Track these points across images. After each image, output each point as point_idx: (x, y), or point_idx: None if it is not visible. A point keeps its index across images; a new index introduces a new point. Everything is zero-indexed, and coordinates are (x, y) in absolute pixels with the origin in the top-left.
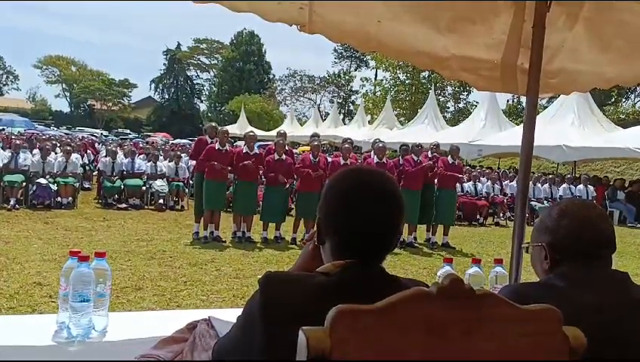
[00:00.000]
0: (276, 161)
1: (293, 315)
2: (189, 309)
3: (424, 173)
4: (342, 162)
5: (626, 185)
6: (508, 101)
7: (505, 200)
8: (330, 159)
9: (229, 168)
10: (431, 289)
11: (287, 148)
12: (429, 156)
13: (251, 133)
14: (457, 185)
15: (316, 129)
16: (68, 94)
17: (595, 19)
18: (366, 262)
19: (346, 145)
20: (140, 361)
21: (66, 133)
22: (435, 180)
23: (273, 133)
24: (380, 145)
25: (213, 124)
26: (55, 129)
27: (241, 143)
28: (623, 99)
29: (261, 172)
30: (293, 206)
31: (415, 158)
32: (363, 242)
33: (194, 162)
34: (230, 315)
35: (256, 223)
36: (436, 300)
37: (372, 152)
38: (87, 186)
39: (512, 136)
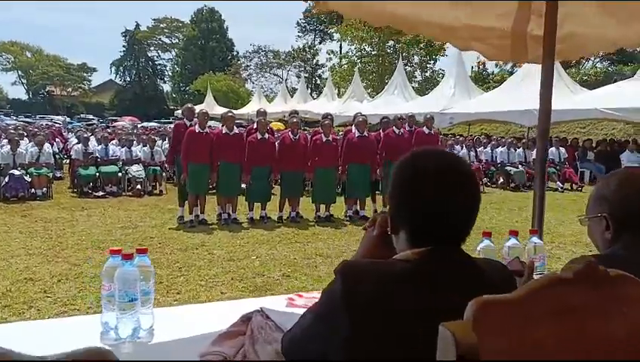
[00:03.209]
0: (259, 141)
1: (378, 303)
2: (226, 300)
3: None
4: (323, 139)
5: (594, 146)
6: (472, 68)
7: (480, 167)
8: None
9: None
10: (566, 274)
11: (268, 127)
12: (408, 128)
13: (230, 114)
14: None
15: (285, 105)
16: (25, 81)
17: None
18: (447, 247)
19: (327, 122)
20: (207, 360)
21: (26, 122)
22: None
23: (242, 111)
24: (361, 118)
25: (190, 105)
26: (14, 118)
27: (211, 123)
28: (584, 61)
29: None
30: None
31: (396, 131)
32: (444, 227)
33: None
34: (278, 304)
35: (239, 204)
36: (572, 284)
37: (353, 126)
38: (59, 175)
39: (481, 102)
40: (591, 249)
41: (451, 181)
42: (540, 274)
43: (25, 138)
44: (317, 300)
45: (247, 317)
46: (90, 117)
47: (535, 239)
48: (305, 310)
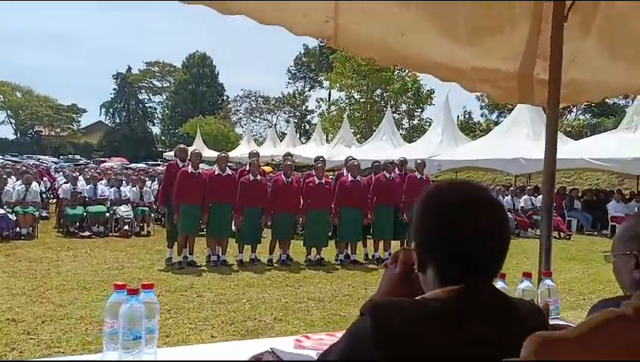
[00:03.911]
0: (251, 182)
1: (408, 342)
2: (222, 341)
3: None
4: (316, 181)
5: (580, 195)
6: (459, 117)
7: None
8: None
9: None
10: (626, 310)
11: (260, 168)
12: (398, 173)
13: (223, 155)
14: None
15: (274, 149)
16: (13, 121)
17: (607, 28)
18: (479, 285)
19: (319, 165)
20: None
21: (13, 161)
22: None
23: (231, 154)
24: (355, 162)
25: (183, 146)
26: (0, 157)
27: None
28: (567, 113)
29: None
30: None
31: (387, 175)
32: (476, 264)
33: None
34: (285, 346)
35: (229, 246)
36: (632, 321)
37: (344, 170)
38: (44, 215)
39: (468, 150)
40: (584, 298)
41: (486, 214)
42: (555, 317)
43: (12, 176)
44: (331, 341)
45: (257, 359)
46: (78, 157)
47: (549, 282)
48: (315, 352)
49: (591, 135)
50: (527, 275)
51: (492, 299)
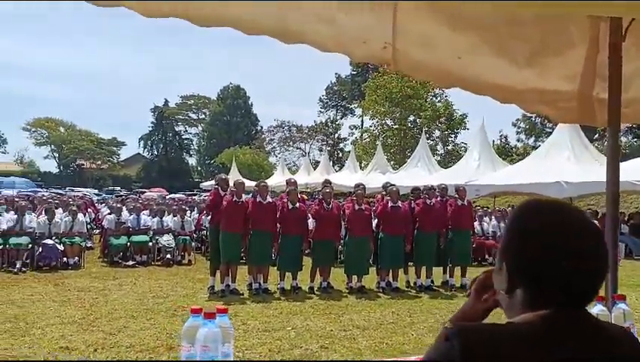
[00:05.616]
0: (290, 210)
1: None
2: None
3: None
4: (356, 207)
5: (626, 219)
6: (494, 141)
7: None
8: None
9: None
10: None
11: (299, 196)
12: (439, 199)
13: (263, 184)
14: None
15: (308, 177)
16: (57, 155)
17: None
18: (573, 309)
19: (359, 191)
20: None
21: (58, 193)
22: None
23: (267, 183)
24: (394, 188)
25: (224, 176)
26: (45, 189)
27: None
28: (607, 135)
29: None
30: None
31: (428, 202)
32: (565, 288)
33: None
34: None
35: (269, 274)
36: None
37: (385, 196)
38: (89, 245)
39: (507, 175)
40: None
41: (583, 236)
42: None
43: (59, 208)
44: None
45: None
46: (118, 189)
47: (623, 305)
48: None
49: (634, 157)
50: (601, 299)
51: (584, 323)
